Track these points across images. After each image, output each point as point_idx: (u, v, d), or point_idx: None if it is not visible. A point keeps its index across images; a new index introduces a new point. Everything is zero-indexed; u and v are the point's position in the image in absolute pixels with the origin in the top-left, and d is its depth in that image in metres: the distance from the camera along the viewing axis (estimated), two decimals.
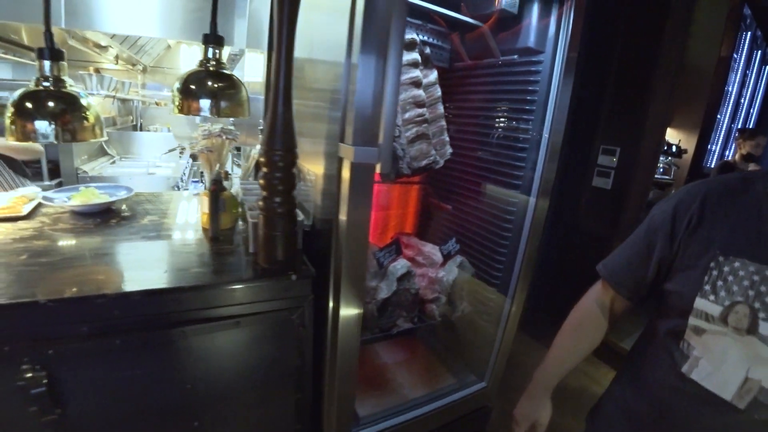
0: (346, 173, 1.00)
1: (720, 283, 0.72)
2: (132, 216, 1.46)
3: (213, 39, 1.36)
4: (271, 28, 1.68)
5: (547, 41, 1.54)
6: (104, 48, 3.22)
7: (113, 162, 3.09)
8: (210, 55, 1.36)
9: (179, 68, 4.25)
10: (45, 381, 0.89)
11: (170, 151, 3.16)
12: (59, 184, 2.64)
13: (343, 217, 1.02)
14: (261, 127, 1.57)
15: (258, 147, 1.57)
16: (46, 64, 1.14)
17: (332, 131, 1.07)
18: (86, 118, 1.18)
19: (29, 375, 0.88)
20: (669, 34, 2.27)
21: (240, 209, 1.47)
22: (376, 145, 0.97)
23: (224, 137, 1.52)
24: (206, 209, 1.27)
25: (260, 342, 1.11)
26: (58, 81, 1.15)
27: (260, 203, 1.04)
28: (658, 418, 0.81)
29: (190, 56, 4.29)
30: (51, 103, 1.13)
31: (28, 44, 3.75)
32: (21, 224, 1.29)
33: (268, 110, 1.00)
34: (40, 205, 1.47)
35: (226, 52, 3.35)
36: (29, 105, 1.11)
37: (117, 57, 3.54)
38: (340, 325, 1.11)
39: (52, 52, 1.14)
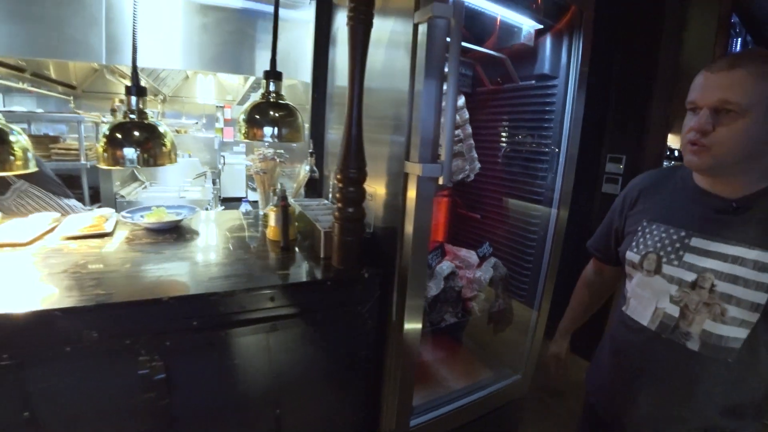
0: (412, 187, 1.18)
1: (641, 239, 1.01)
2: (199, 231, 1.62)
3: (273, 74, 1.55)
4: (316, 59, 1.88)
5: (560, 67, 1.76)
6: None
7: (144, 187, 3.27)
8: (271, 88, 1.54)
9: (195, 97, 4.47)
10: (162, 370, 1.05)
11: (198, 176, 3.34)
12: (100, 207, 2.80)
13: (409, 224, 1.20)
14: (311, 150, 1.76)
15: (306, 168, 1.75)
16: (133, 99, 1.33)
17: (395, 151, 1.26)
18: (164, 145, 1.36)
19: (150, 364, 1.04)
20: (665, 42, 2.50)
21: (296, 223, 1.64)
22: (439, 161, 1.15)
23: (277, 160, 1.71)
24: (273, 222, 1.45)
25: (334, 334, 1.27)
26: (141, 113, 1.33)
27: (336, 213, 1.22)
28: (615, 350, 1.10)
29: (205, 86, 4.52)
30: (136, 133, 1.32)
31: (55, 78, 3.96)
32: (109, 239, 1.46)
33: (343, 135, 1.19)
34: (117, 223, 1.63)
35: (250, 81, 3.59)
36: (119, 135, 1.30)
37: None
38: (405, 317, 1.27)
39: (137, 89, 1.33)
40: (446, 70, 1.14)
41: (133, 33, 1.35)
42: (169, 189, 3.18)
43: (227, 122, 4.49)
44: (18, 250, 1.34)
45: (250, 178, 4.32)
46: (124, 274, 1.17)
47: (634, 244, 1.02)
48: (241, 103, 4.68)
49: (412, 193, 1.18)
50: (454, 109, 1.14)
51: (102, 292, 1.04)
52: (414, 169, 1.15)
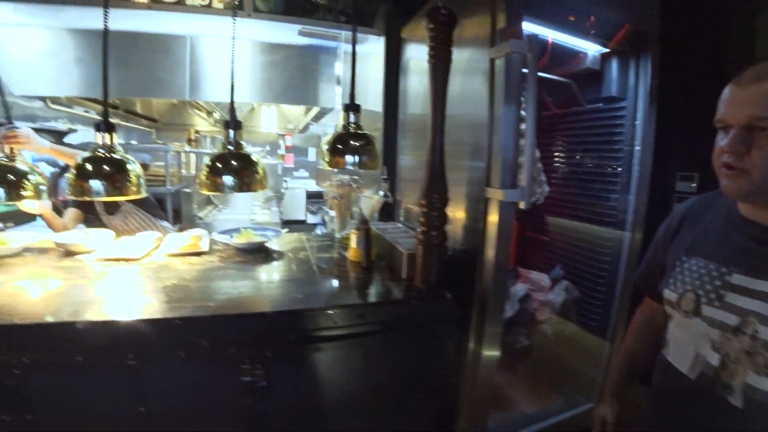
0: (493, 212, 1.24)
1: (679, 276, 0.88)
2: (283, 252, 1.75)
3: (352, 107, 1.66)
4: (387, 90, 2.00)
5: (627, 89, 1.77)
6: (210, 113, 3.77)
7: (219, 210, 3.54)
8: (351, 119, 1.65)
9: (260, 126, 4.80)
10: (263, 378, 1.15)
11: (267, 200, 3.57)
12: (181, 229, 3.07)
13: (490, 248, 1.25)
14: (384, 176, 1.86)
15: (380, 193, 1.85)
16: (231, 132, 1.48)
17: (474, 177, 1.32)
18: (257, 173, 1.48)
19: (253, 372, 1.14)
20: (732, 55, 2.41)
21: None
22: (520, 186, 1.21)
23: (353, 185, 1.82)
24: (354, 244, 1.55)
25: (414, 352, 1.33)
26: (238, 145, 1.47)
27: (420, 236, 1.29)
28: (656, 395, 0.96)
29: (268, 116, 4.84)
30: (234, 162, 1.45)
31: (140, 112, 4.41)
32: (206, 257, 1.62)
33: (426, 163, 1.27)
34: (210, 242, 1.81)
35: (314, 111, 3.82)
36: (219, 164, 1.44)
37: (216, 120, 4.10)
38: (484, 340, 1.31)
39: (234, 123, 1.48)
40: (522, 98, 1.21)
41: (231, 76, 1.51)
42: (239, 212, 3.42)
43: (288, 149, 4.77)
44: (132, 264, 1.54)
45: (309, 201, 4.54)
46: (227, 289, 1.30)
47: (671, 280, 0.90)
48: (303, 131, 4.96)
49: (493, 218, 1.24)
50: (534, 135, 1.20)
51: (212, 304, 1.17)
52: (496, 194, 1.21)
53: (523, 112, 1.24)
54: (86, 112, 3.92)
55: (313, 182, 4.99)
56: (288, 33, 3.11)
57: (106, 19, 1.51)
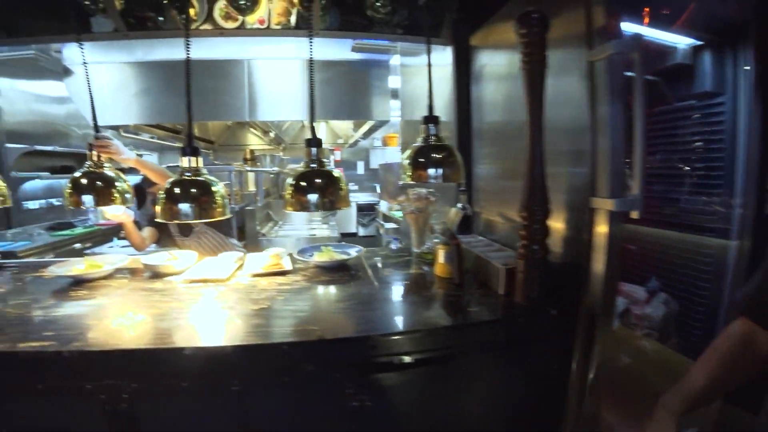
0: (601, 222, 1.15)
1: None
2: (364, 269, 1.73)
3: (431, 119, 1.62)
4: (460, 99, 1.96)
5: (725, 83, 1.64)
6: (266, 132, 3.88)
7: (279, 226, 3.62)
8: (431, 131, 1.61)
9: None
10: (368, 403, 1.11)
11: (327, 215, 3.62)
12: (245, 246, 3.15)
13: (597, 261, 1.17)
14: (462, 188, 1.81)
15: (459, 205, 1.80)
16: (313, 150, 1.47)
17: (575, 184, 1.25)
18: (341, 189, 1.46)
19: (357, 397, 1.11)
20: None
21: None
22: (630, 195, 1.12)
23: (431, 198, 1.78)
24: (442, 260, 1.50)
25: (517, 372, 1.25)
26: (321, 162, 1.46)
27: (521, 250, 1.23)
28: None
29: (318, 132, 4.95)
30: (318, 180, 1.43)
31: (199, 135, 4.61)
32: (291, 277, 1.62)
33: (525, 174, 1.21)
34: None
35: (368, 125, 3.86)
36: (303, 183, 1.43)
37: (271, 139, 4.23)
38: (592, 358, 1.22)
39: (316, 141, 1.46)
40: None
41: (311, 96, 1.51)
42: (299, 228, 3.48)
43: (337, 163, 4.83)
44: (220, 285, 1.55)
45: (360, 214, 4.56)
46: (324, 310, 1.29)
47: None
48: (352, 146, 5.02)
49: (602, 229, 1.16)
50: (644, 140, 1.12)
51: (315, 328, 1.15)
52: (604, 204, 1.13)
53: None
54: (152, 138, 4.15)
55: (363, 195, 5.03)
56: (341, 49, 3.17)
57: (188, 49, 1.55)
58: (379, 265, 1.80)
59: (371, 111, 3.40)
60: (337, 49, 3.13)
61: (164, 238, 2.46)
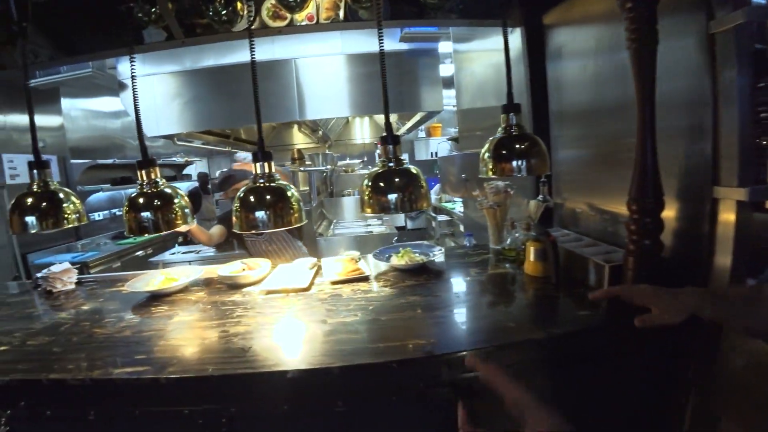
0: (727, 213, 1.04)
1: None
2: (446, 270, 1.67)
3: (512, 107, 1.52)
4: (533, 82, 1.84)
5: None
6: (314, 131, 3.89)
7: (334, 225, 3.63)
8: (511, 121, 1.51)
9: (355, 139, 4.88)
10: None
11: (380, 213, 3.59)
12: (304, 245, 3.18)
13: (723, 256, 1.06)
14: (543, 180, 1.71)
15: (540, 197, 1.71)
16: (390, 148, 1.40)
17: (689, 166, 1.14)
18: (422, 187, 1.39)
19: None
20: None
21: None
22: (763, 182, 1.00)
23: (510, 192, 1.70)
24: (533, 257, 1.42)
25: (631, 375, 1.15)
26: (399, 161, 1.39)
27: (630, 246, 1.14)
28: None
29: (362, 127, 4.91)
30: (397, 179, 1.36)
31: (245, 138, 4.70)
32: (372, 282, 1.58)
33: (635, 163, 1.11)
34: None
35: (418, 116, 3.78)
36: (381, 183, 1.37)
37: (318, 137, 4.24)
38: (716, 365, 1.11)
39: (393, 138, 1.39)
40: None
41: (384, 93, 1.45)
42: (355, 225, 3.47)
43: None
44: (302, 294, 1.52)
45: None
46: (421, 319, 1.22)
47: None
48: None
49: (728, 220, 1.04)
50: None
51: (422, 342, 1.07)
52: (732, 194, 1.02)
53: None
54: (203, 144, 4.27)
55: None
56: (388, 40, 3.10)
57: (252, 51, 1.53)
58: (454, 264, 1.74)
59: (421, 102, 3.30)
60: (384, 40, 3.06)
61: (232, 235, 2.51)
